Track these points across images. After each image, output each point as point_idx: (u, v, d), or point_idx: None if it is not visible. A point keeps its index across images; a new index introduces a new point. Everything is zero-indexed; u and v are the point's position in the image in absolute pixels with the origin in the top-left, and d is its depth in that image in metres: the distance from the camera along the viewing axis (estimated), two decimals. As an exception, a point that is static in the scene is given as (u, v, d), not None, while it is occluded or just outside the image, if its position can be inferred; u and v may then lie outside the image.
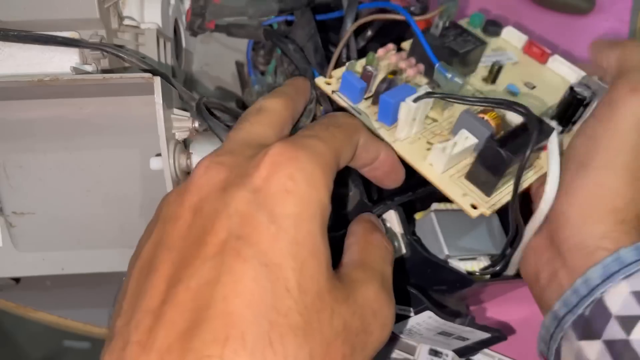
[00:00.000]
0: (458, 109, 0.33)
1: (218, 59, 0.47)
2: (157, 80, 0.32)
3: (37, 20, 0.34)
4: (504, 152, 0.29)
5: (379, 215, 0.34)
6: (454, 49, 0.36)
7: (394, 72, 0.35)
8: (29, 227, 0.39)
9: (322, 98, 0.34)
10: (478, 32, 0.40)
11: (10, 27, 0.33)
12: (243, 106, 0.42)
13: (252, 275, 0.21)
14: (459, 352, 0.40)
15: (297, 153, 0.23)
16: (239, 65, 0.44)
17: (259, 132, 0.27)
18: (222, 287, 0.21)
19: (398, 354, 0.41)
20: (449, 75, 0.34)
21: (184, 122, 0.34)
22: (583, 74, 0.38)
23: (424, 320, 0.35)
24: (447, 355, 0.41)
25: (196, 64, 0.47)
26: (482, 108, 0.33)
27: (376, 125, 0.33)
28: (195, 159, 0.33)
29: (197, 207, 0.23)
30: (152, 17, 0.38)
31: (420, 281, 0.35)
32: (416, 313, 0.34)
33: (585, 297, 0.29)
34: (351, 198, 0.35)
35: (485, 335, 0.35)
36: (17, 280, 0.45)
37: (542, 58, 0.40)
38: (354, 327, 0.23)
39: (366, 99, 0.34)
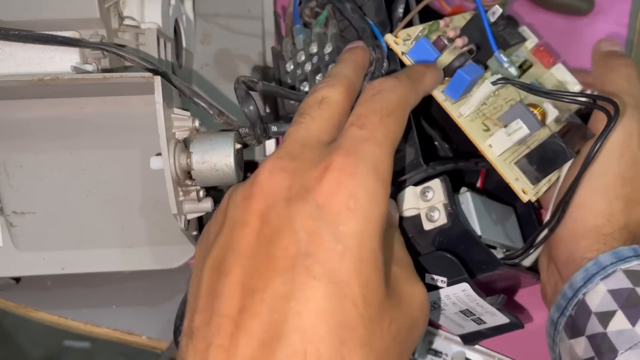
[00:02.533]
0: (501, 95, 0.35)
1: (219, 58, 0.47)
2: (158, 80, 0.32)
3: (38, 19, 0.34)
4: (568, 150, 0.32)
5: (424, 181, 0.34)
6: (507, 40, 0.37)
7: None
8: (29, 227, 0.39)
9: (392, 59, 0.34)
10: None
11: (10, 26, 0.33)
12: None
13: (323, 292, 0.22)
14: (467, 337, 0.37)
15: (358, 169, 0.24)
16: (276, 15, 0.45)
17: (320, 128, 0.27)
18: (295, 303, 0.22)
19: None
20: (507, 65, 0.35)
21: (184, 122, 0.34)
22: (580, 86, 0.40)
23: (454, 294, 0.33)
24: (446, 355, 0.41)
25: (196, 64, 0.47)
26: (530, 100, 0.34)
27: (441, 98, 0.33)
28: (195, 158, 0.33)
29: (264, 215, 0.24)
30: (152, 17, 0.38)
31: None
32: (449, 284, 0.33)
33: (571, 299, 0.32)
34: (406, 155, 0.34)
35: (504, 320, 0.34)
36: (17, 280, 0.45)
37: (548, 63, 0.41)
38: (406, 327, 0.25)
39: None
